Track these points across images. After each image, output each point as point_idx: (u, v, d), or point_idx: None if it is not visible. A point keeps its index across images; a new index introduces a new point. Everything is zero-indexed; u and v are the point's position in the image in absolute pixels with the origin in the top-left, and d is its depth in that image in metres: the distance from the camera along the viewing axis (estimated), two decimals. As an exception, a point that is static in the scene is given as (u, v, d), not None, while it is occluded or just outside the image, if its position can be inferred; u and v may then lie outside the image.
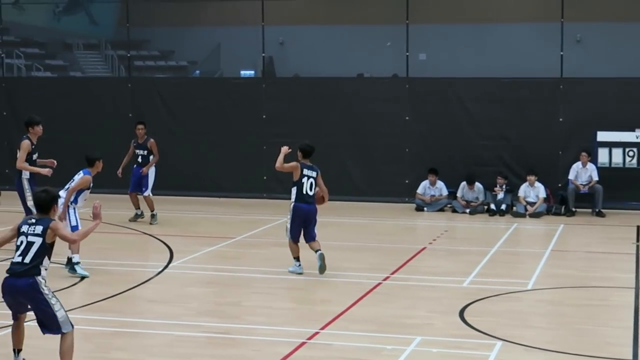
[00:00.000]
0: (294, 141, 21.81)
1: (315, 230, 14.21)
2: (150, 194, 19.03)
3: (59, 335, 8.97)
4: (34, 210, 14.00)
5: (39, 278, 8.85)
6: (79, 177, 14.33)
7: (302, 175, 14.08)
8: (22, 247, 8.90)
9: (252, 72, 32.33)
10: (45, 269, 8.96)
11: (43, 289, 8.84)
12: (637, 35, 26.96)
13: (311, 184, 14.10)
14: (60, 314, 8.87)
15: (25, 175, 15.56)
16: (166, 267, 14.88)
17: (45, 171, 15.57)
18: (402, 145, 22.13)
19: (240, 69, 32.82)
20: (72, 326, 8.99)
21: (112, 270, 14.53)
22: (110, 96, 23.81)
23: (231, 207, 21.52)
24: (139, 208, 19.26)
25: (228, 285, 13.91)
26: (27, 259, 8.85)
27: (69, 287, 13.30)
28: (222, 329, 11.19)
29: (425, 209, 21.17)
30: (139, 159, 19.31)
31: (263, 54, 23.63)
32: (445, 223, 20.05)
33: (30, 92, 24.20)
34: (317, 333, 10.97)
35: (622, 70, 23.12)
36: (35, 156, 15.71)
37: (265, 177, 22.51)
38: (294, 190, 14.13)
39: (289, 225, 14.17)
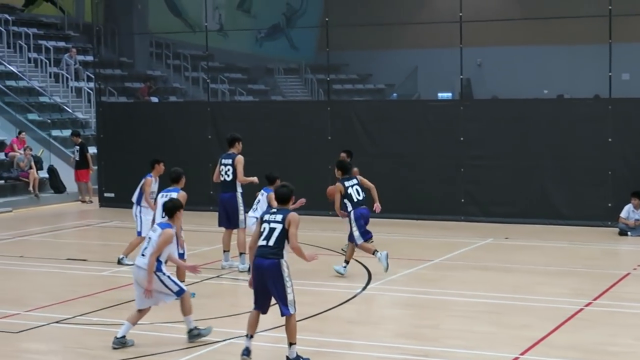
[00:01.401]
0: (492, 163, 21.92)
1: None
2: None
3: None
4: (246, 223, 15.90)
5: (282, 260, 10.41)
6: (263, 197, 15.81)
7: (346, 188, 15.74)
8: (265, 233, 10.46)
9: (450, 94, 32.36)
10: (287, 252, 10.49)
11: (284, 271, 10.39)
12: None
13: (357, 190, 15.85)
14: (290, 297, 10.38)
15: (240, 189, 16.21)
16: (364, 288, 15.00)
17: (253, 179, 16.49)
18: (605, 168, 21.51)
19: (438, 91, 32.91)
20: (295, 309, 10.46)
21: (312, 291, 14.75)
22: (310, 119, 24.18)
23: (429, 230, 21.46)
24: None
25: (426, 308, 13.89)
26: (271, 242, 10.39)
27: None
28: (421, 352, 11.18)
29: (629, 233, 20.52)
30: None
31: (461, 76, 23.49)
32: (651, 248, 19.38)
33: (234, 115, 24.91)
34: (516, 358, 10.81)
35: None
36: None
37: (462, 200, 22.39)
38: (346, 202, 15.73)
39: (356, 232, 15.68)
